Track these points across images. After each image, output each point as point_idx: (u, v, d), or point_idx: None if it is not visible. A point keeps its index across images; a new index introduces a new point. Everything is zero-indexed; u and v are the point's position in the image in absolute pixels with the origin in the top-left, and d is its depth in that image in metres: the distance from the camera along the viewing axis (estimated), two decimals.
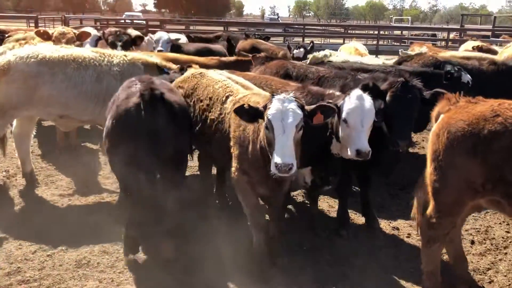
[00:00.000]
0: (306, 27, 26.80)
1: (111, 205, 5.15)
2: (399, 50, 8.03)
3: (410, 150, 7.49)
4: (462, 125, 3.17)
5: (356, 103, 3.78)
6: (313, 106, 3.48)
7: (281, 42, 19.15)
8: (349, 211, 4.94)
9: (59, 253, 4.17)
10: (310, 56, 7.33)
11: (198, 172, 5.63)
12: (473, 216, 5.10)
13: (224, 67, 5.82)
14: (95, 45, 7.88)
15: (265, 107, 3.34)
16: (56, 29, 7.31)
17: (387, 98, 4.27)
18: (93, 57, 5.24)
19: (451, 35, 22.04)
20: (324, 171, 4.30)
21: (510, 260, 4.33)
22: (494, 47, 10.85)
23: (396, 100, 4.24)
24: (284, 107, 3.25)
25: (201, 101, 4.31)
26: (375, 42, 20.42)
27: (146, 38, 8.86)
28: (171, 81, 4.78)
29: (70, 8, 60.27)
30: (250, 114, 3.39)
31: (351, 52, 9.29)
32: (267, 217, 4.20)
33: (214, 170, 5.38)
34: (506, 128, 3.00)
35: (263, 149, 3.45)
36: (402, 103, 4.24)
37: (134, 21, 25.91)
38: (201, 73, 4.65)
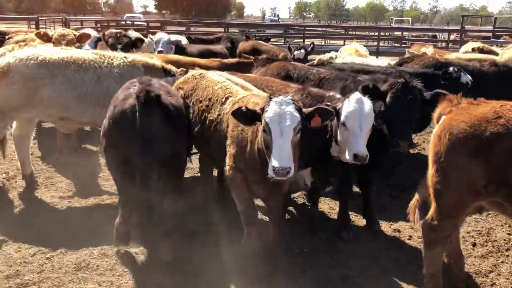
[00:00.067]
0: (306, 28, 26.93)
1: (111, 207, 5.13)
2: (406, 50, 8.03)
3: (411, 151, 7.47)
4: (464, 127, 3.15)
5: (355, 107, 3.76)
6: (311, 109, 3.46)
7: (282, 43, 19.20)
8: (350, 213, 4.91)
9: (59, 255, 4.14)
10: (316, 58, 7.35)
11: (199, 174, 5.61)
12: (474, 218, 5.08)
13: (225, 69, 5.81)
14: (95, 47, 7.87)
15: (262, 109, 3.32)
16: (56, 31, 7.30)
17: (388, 99, 4.27)
18: (93, 59, 5.22)
19: (452, 36, 22.08)
20: (324, 173, 4.28)
21: None
22: (495, 48, 10.84)
23: (396, 100, 4.24)
24: (281, 109, 3.23)
25: (201, 102, 4.29)
26: (375, 43, 20.45)
27: (146, 40, 8.85)
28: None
29: (71, 10, 60.42)
30: (248, 116, 3.37)
31: (351, 53, 9.28)
32: (266, 219, 4.18)
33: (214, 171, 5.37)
34: (508, 130, 2.98)
35: (260, 151, 3.44)
36: (403, 103, 4.24)
37: (135, 22, 25.95)
38: (201, 74, 4.63)
